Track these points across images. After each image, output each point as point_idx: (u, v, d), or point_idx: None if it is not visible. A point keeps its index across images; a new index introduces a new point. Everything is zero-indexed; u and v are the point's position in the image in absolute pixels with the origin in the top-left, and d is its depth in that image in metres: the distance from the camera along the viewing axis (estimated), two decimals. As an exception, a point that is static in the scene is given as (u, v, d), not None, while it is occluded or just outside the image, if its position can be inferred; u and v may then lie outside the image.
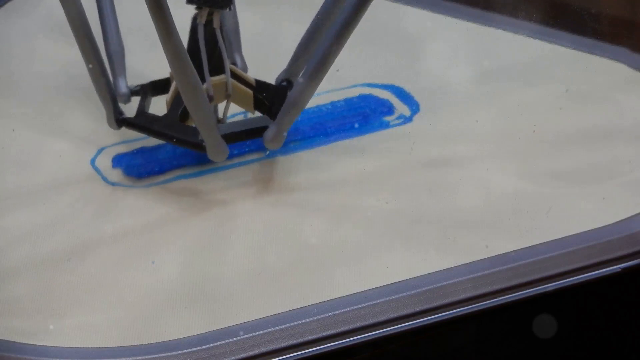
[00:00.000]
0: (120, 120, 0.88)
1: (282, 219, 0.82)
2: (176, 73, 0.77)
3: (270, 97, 0.87)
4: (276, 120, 0.84)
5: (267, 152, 0.90)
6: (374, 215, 0.82)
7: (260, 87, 0.88)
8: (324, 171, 0.88)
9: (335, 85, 0.91)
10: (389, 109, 0.96)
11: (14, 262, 0.79)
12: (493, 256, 0.76)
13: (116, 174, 0.88)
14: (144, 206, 0.85)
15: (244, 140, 0.88)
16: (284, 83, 0.89)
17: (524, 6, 1.09)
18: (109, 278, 0.77)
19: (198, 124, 0.81)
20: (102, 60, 0.85)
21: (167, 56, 0.74)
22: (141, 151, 0.90)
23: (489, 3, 1.10)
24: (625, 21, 1.09)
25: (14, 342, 0.71)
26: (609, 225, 0.79)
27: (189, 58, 0.76)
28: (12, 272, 0.78)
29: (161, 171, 0.88)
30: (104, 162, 0.90)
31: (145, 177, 0.88)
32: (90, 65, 0.84)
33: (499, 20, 1.08)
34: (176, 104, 0.85)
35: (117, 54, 0.89)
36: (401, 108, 0.96)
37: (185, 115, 0.85)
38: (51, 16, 1.14)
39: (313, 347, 0.70)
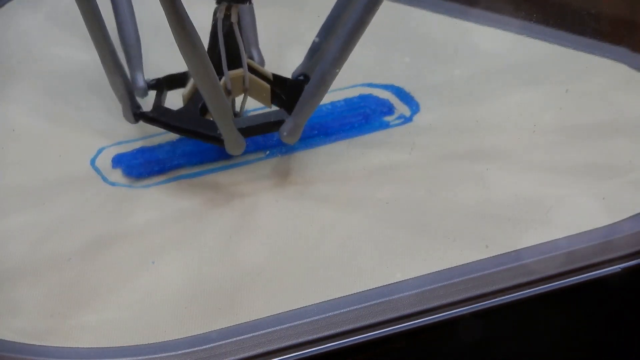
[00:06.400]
0: (137, 115, 0.88)
1: (282, 219, 0.82)
2: (192, 67, 0.77)
3: (287, 91, 0.88)
4: (292, 114, 0.85)
5: (267, 152, 0.90)
6: (374, 216, 0.82)
7: (277, 81, 0.89)
8: (323, 171, 0.88)
9: (336, 85, 0.90)
10: (389, 109, 0.96)
11: (14, 262, 0.79)
12: (493, 256, 0.76)
13: (116, 174, 0.88)
14: (144, 206, 0.85)
15: (261, 133, 0.88)
16: (301, 77, 0.90)
17: (524, 6, 1.09)
18: (108, 278, 0.77)
19: (215, 117, 0.82)
20: (116, 54, 0.84)
21: (181, 51, 0.74)
22: (141, 151, 0.90)
23: (489, 3, 1.10)
24: (625, 21, 1.09)
25: (14, 342, 0.71)
26: (609, 225, 0.79)
27: (205, 52, 0.76)
28: (12, 272, 0.78)
29: (161, 171, 0.88)
30: (104, 162, 0.90)
31: (145, 177, 0.88)
32: (104, 59, 0.83)
33: (498, 20, 1.08)
34: (196, 97, 0.86)
35: (133, 48, 0.89)
36: (401, 108, 0.96)
37: (205, 108, 0.85)
38: (51, 16, 1.14)
39: (313, 347, 0.70)
